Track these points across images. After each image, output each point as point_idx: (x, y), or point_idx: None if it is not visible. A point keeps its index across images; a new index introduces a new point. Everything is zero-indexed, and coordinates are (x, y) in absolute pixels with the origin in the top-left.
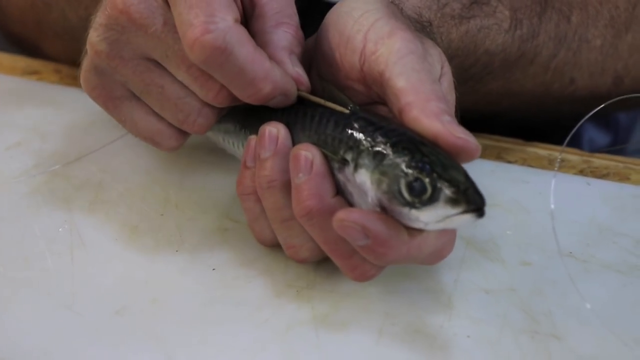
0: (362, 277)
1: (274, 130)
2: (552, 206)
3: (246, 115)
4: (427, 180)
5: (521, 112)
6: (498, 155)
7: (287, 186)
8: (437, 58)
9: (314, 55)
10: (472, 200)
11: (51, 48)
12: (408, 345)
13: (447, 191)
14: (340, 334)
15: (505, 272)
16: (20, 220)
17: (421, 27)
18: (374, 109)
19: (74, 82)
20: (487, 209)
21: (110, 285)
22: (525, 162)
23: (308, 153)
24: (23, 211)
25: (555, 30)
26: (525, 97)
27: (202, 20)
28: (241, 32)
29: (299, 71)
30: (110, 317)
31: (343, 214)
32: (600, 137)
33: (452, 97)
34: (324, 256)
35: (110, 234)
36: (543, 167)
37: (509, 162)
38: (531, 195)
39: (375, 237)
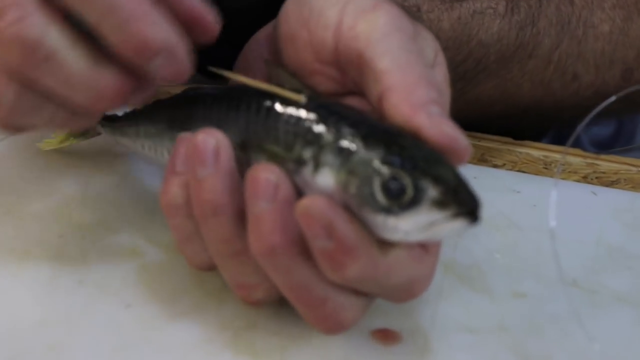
0: (335, 328)
1: (212, 141)
2: (552, 223)
3: (172, 112)
4: (407, 178)
5: (515, 118)
6: (482, 158)
7: (238, 212)
8: (430, 43)
9: (274, 40)
10: (463, 202)
11: None
12: None
13: (432, 191)
14: None
15: (494, 305)
16: None
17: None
18: (345, 100)
19: None
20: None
21: None
22: (516, 166)
23: (271, 175)
24: None
25: (557, 14)
26: (522, 99)
27: None
28: None
29: (205, 8)
30: None
31: (310, 201)
32: (601, 127)
33: (446, 91)
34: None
35: None
36: (538, 173)
37: (496, 166)
38: (524, 208)
39: (339, 241)
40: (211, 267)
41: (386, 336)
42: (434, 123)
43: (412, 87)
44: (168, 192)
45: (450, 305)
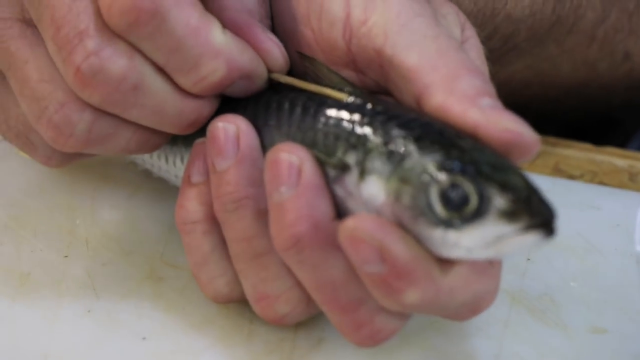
0: (371, 339)
1: (231, 128)
2: (639, 246)
3: None
4: (469, 185)
5: (554, 103)
6: (555, 167)
7: (262, 206)
8: (453, 19)
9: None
10: (536, 211)
11: None
12: None
13: (500, 199)
14: None
15: (569, 342)
16: None
17: None
18: None
19: None
20: (542, 249)
21: None
22: (596, 177)
23: (293, 157)
24: None
25: None
26: (561, 81)
27: None
28: None
29: (272, 38)
30: None
31: (355, 222)
32: None
33: (485, 68)
34: (312, 313)
35: None
36: (622, 186)
37: (572, 177)
38: (605, 228)
39: (394, 264)
40: (227, 298)
41: None
42: (490, 118)
43: (453, 80)
44: (183, 206)
45: (517, 342)
